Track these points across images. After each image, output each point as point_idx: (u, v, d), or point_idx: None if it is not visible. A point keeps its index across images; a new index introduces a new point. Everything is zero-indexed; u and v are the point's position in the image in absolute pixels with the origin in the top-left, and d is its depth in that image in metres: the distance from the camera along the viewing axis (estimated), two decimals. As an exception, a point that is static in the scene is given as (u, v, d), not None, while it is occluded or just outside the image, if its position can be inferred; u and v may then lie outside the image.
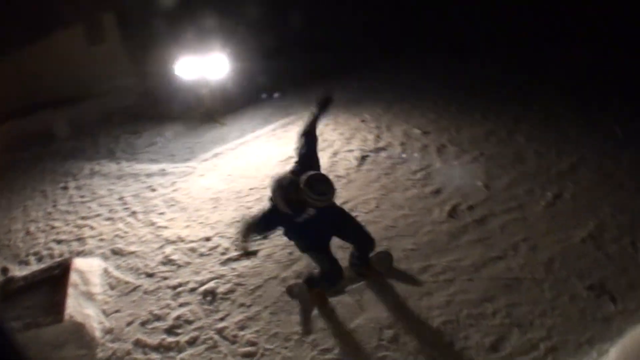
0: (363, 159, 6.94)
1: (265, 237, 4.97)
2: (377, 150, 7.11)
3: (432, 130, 7.34)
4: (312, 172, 3.83)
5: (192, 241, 5.91)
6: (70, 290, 5.11)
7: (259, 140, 8.20)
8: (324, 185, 3.82)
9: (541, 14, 10.15)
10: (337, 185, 6.30)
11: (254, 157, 7.66)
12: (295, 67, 9.88)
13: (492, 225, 5.23)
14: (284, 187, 3.86)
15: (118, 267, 5.78)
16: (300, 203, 3.87)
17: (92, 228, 6.72)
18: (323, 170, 6.27)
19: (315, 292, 4.67)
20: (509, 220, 5.28)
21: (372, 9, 11.06)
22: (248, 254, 4.63)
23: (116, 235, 6.40)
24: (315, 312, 4.61)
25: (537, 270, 4.65)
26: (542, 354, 3.91)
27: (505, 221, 5.27)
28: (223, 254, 5.60)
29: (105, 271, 5.68)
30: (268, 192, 4.09)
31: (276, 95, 9.01)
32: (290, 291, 4.86)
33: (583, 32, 9.21)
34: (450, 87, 8.64)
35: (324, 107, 4.38)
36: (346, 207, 5.90)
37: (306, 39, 10.18)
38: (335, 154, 7.19)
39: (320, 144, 7.33)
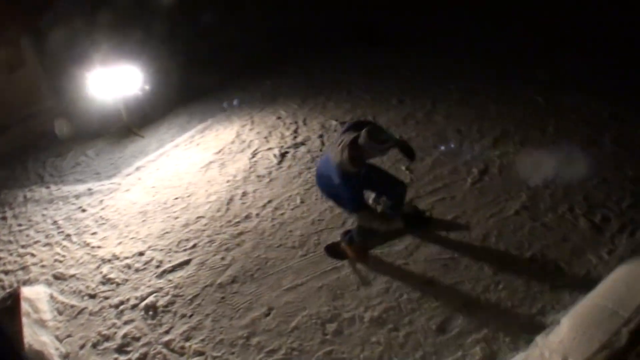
0: (283, 156, 6.82)
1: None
2: (296, 145, 7.00)
3: (349, 119, 7.21)
4: (368, 127, 3.96)
5: (127, 257, 5.80)
6: (24, 320, 5.08)
7: (178, 148, 8.01)
8: (383, 133, 4.02)
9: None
10: (260, 185, 6.27)
11: (175, 166, 7.47)
12: (207, 69, 9.60)
13: (420, 207, 5.21)
14: (349, 147, 3.98)
15: (62, 291, 5.62)
16: (361, 159, 4.03)
17: (33, 255, 6.45)
18: (243, 172, 6.13)
19: (354, 248, 4.79)
20: (437, 201, 5.30)
21: (283, 4, 10.92)
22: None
23: (56, 260, 6.18)
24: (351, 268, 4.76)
25: (473, 247, 4.67)
26: (493, 329, 3.93)
27: (433, 202, 5.28)
28: (158, 266, 5.52)
29: (51, 297, 5.57)
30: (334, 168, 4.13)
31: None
32: (331, 250, 4.99)
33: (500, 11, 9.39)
34: (365, 77, 8.59)
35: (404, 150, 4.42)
36: (271, 206, 5.83)
37: (217, 41, 9.93)
38: (254, 154, 7.05)
39: (239, 145, 7.30)
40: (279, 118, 7.85)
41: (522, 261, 4.43)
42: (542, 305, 3.98)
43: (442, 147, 6.12)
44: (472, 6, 9.73)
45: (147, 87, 8.96)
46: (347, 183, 4.09)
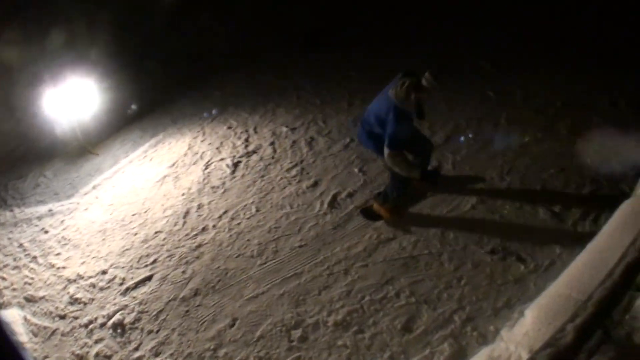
0: (236, 165, 6.93)
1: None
2: (248, 154, 7.10)
3: (299, 125, 7.41)
4: (429, 71, 4.36)
5: (91, 277, 5.85)
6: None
7: (132, 164, 8.03)
8: (441, 74, 4.39)
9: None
10: (215, 196, 6.37)
11: (130, 182, 7.51)
12: (157, 82, 9.62)
13: (376, 208, 5.30)
14: (412, 87, 4.40)
15: (34, 313, 5.64)
16: (418, 100, 4.50)
17: (3, 279, 6.43)
18: (197, 184, 6.23)
19: (388, 207, 5.14)
20: None
21: (226, 12, 10.96)
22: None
23: (25, 283, 6.18)
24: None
25: (432, 244, 4.76)
26: (459, 325, 4.00)
27: None
28: (121, 284, 5.59)
29: (25, 319, 5.58)
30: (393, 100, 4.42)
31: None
32: (366, 213, 5.32)
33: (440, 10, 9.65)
34: (312, 81, 8.71)
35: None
36: (227, 217, 5.95)
37: (165, 52, 9.94)
38: (207, 165, 7.14)
39: (191, 157, 7.38)
40: (229, 128, 7.94)
41: (482, 255, 4.49)
42: (507, 297, 4.05)
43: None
44: (412, 8, 10.00)
45: (133, 107, 8.98)
46: (398, 119, 4.42)
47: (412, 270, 4.57)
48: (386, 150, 4.57)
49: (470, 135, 6.14)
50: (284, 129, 7.43)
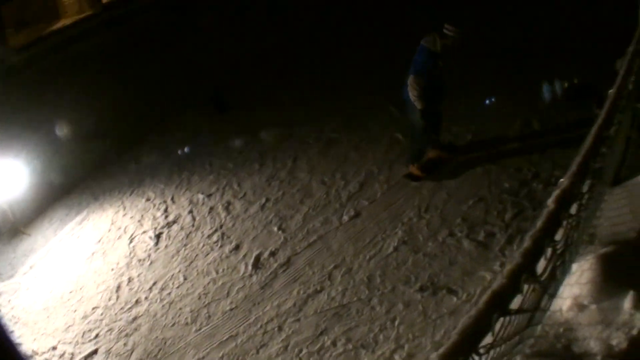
0: (158, 237, 7.30)
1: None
2: (169, 224, 7.50)
3: (215, 191, 7.85)
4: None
5: (44, 352, 6.01)
6: None
7: (62, 242, 8.23)
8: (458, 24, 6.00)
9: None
10: (143, 268, 6.82)
11: (63, 260, 7.71)
12: (77, 158, 9.84)
13: (299, 263, 5.79)
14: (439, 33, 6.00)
15: None
16: (444, 46, 6.03)
17: None
18: (124, 258, 6.62)
19: (419, 165, 6.46)
20: (314, 254, 5.83)
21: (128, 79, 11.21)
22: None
23: None
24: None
25: (360, 291, 5.01)
26: None
27: (311, 256, 5.82)
28: (71, 359, 5.81)
29: None
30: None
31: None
32: (410, 177, 6.49)
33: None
34: (222, 145, 9.06)
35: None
36: (157, 288, 6.42)
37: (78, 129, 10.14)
38: (131, 239, 7.52)
39: (115, 232, 7.81)
40: (148, 200, 8.31)
41: (412, 294, 4.68)
42: (444, 330, 4.22)
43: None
44: (315, 63, 10.73)
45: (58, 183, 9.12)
46: (425, 55, 6.11)
47: (345, 318, 4.79)
48: (410, 77, 6.05)
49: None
50: (201, 196, 7.88)
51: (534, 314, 2.55)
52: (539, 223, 2.12)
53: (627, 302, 2.90)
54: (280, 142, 8.60)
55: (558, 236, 2.50)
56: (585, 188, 2.95)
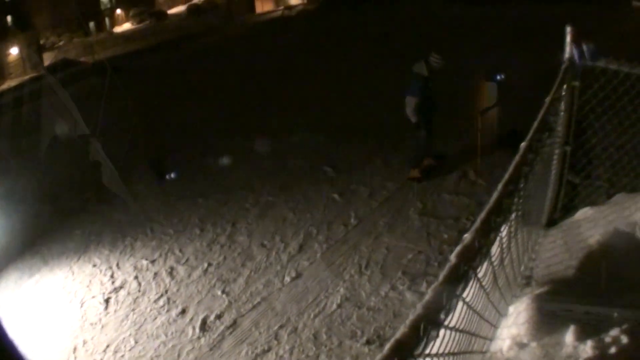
0: (107, 301, 7.65)
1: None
2: (116, 290, 7.88)
3: (158, 257, 8.32)
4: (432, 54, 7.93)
5: None
6: None
7: (16, 305, 8.38)
8: (441, 53, 7.92)
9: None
10: (95, 331, 7.30)
11: (17, 325, 7.80)
12: (26, 221, 10.05)
13: (245, 325, 6.01)
14: (425, 61, 7.89)
15: None
16: (430, 71, 7.80)
17: None
18: (77, 321, 7.08)
19: (417, 169, 8.22)
20: (259, 315, 6.06)
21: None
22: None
23: None
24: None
25: (307, 348, 5.15)
26: None
27: (256, 317, 6.04)
28: None
29: None
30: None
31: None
32: (415, 179, 8.07)
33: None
34: (162, 211, 9.58)
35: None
36: (110, 350, 6.89)
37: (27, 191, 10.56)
38: (82, 303, 7.96)
39: (67, 296, 8.25)
40: (94, 266, 8.73)
41: (359, 347, 4.83)
42: None
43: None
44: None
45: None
46: (416, 78, 7.93)
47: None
48: (407, 97, 7.83)
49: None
50: (145, 262, 8.35)
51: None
52: (440, 276, 2.08)
53: (569, 336, 2.90)
54: (219, 208, 9.17)
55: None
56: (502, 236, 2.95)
